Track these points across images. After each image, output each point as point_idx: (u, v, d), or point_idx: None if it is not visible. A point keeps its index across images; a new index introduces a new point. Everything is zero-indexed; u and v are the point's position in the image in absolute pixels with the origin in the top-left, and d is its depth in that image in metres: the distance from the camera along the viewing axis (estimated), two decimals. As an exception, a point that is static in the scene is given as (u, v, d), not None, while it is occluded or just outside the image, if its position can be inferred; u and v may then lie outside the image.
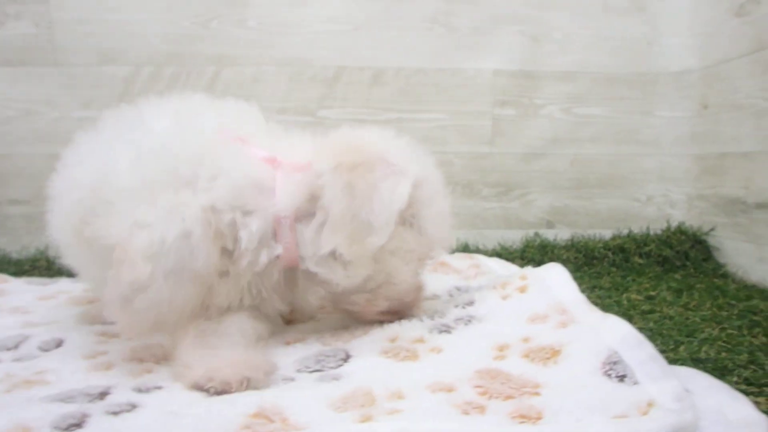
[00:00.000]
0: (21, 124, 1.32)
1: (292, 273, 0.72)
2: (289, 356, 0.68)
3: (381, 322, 0.74)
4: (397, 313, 0.74)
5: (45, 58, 1.29)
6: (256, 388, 0.59)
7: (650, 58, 1.44)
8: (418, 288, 0.77)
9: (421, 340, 0.69)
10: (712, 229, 1.35)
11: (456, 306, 0.77)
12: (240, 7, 1.34)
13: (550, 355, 0.60)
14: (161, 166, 0.66)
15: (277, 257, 0.69)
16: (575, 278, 1.18)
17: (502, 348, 0.63)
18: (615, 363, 0.55)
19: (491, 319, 0.72)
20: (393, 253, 0.69)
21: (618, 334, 0.59)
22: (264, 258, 0.68)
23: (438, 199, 0.73)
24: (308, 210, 0.69)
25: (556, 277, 0.77)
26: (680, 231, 1.38)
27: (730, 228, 1.29)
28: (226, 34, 1.34)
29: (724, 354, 0.74)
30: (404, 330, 0.72)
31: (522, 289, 0.77)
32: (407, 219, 0.71)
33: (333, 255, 0.68)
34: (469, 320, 0.72)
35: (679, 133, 1.45)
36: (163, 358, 0.68)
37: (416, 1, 1.38)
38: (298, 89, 1.37)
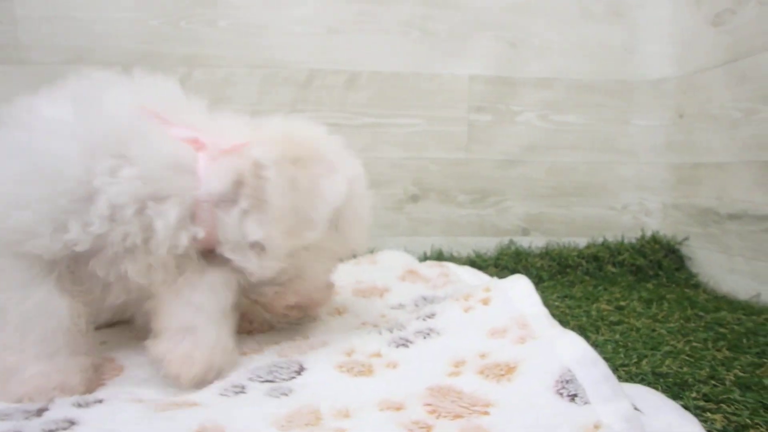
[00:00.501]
0: (-15, 122, 1.29)
1: (210, 257, 0.69)
2: (242, 366, 0.67)
3: (287, 316, 0.76)
4: (305, 309, 0.76)
5: (9, 56, 1.25)
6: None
7: (628, 65, 1.44)
8: (329, 286, 0.78)
9: (378, 355, 0.67)
10: (685, 239, 1.35)
11: (417, 318, 0.75)
12: (210, 7, 1.31)
13: (504, 371, 0.58)
14: (46, 189, 0.59)
15: (197, 239, 0.65)
16: (548, 287, 1.19)
17: (458, 364, 0.62)
18: (568, 381, 0.53)
19: (451, 333, 0.70)
20: (307, 249, 0.68)
21: (574, 352, 0.58)
22: (184, 240, 0.63)
23: (361, 201, 0.72)
24: (230, 196, 0.65)
25: (519, 289, 0.76)
26: (654, 240, 1.38)
27: (703, 238, 1.30)
28: (197, 34, 1.31)
29: (686, 368, 0.73)
30: (362, 343, 0.70)
31: (485, 301, 0.76)
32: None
33: (250, 244, 0.66)
34: (428, 333, 0.70)
35: (656, 141, 1.44)
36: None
37: (392, 4, 1.36)
38: (270, 92, 1.34)
